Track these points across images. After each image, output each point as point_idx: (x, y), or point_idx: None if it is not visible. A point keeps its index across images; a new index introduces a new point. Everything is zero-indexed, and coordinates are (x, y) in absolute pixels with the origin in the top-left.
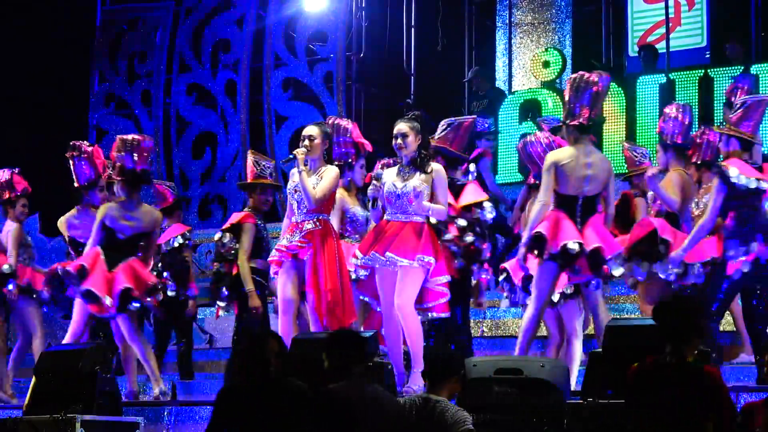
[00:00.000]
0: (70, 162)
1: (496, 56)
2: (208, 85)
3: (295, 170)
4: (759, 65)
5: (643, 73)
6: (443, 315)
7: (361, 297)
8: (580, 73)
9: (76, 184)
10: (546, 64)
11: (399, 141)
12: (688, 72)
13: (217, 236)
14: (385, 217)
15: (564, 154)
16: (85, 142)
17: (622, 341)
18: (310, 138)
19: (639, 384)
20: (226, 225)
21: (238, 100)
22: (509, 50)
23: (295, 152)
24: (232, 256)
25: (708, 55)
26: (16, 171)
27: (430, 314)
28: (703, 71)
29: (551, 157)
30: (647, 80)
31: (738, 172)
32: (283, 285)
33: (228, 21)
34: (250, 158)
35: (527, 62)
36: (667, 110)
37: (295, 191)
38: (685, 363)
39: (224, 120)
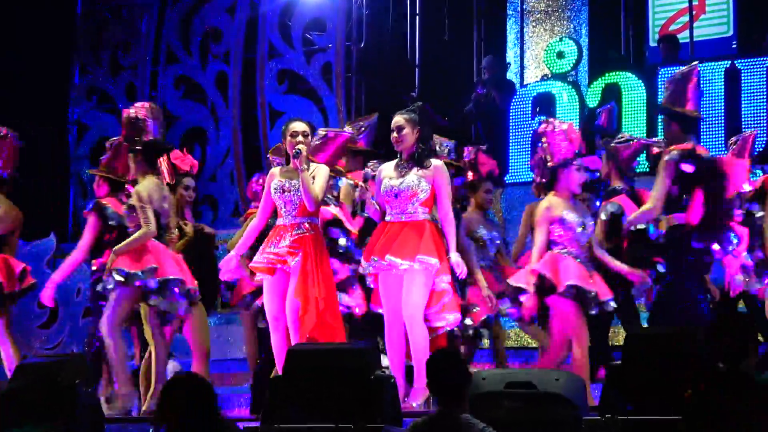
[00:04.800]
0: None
1: (507, 46)
2: (197, 77)
3: (275, 169)
4: None
5: (664, 64)
6: (454, 316)
7: (380, 311)
8: None
9: None
10: (560, 55)
11: (395, 134)
12: (713, 63)
13: None
14: (386, 218)
15: None
16: None
17: (643, 352)
18: (304, 134)
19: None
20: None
21: (229, 94)
22: (521, 40)
23: (299, 147)
24: None
25: (735, 45)
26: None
27: (445, 317)
28: (729, 62)
29: None
30: (669, 73)
31: None
32: (270, 301)
33: (219, 9)
34: None
35: (540, 53)
36: None
37: (283, 191)
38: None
39: (214, 115)
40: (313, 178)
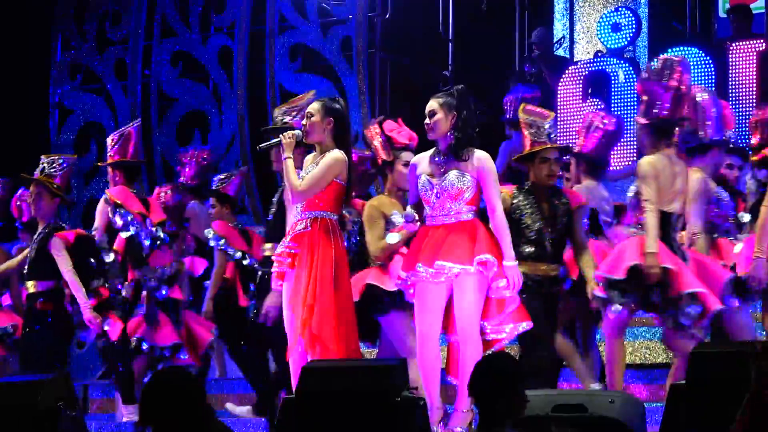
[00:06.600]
0: None
1: (554, 17)
2: (197, 53)
3: (310, 156)
4: None
5: (735, 38)
6: (525, 325)
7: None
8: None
9: None
10: (616, 28)
11: (427, 120)
12: None
13: None
14: (426, 222)
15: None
16: None
17: (711, 372)
18: (308, 116)
19: None
20: None
21: (234, 72)
22: (570, 10)
23: (282, 135)
24: None
25: None
26: None
27: (507, 327)
28: None
29: None
30: (742, 48)
31: None
32: (285, 310)
33: None
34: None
35: (593, 25)
36: None
37: None
38: None
39: (217, 97)
40: (317, 165)
